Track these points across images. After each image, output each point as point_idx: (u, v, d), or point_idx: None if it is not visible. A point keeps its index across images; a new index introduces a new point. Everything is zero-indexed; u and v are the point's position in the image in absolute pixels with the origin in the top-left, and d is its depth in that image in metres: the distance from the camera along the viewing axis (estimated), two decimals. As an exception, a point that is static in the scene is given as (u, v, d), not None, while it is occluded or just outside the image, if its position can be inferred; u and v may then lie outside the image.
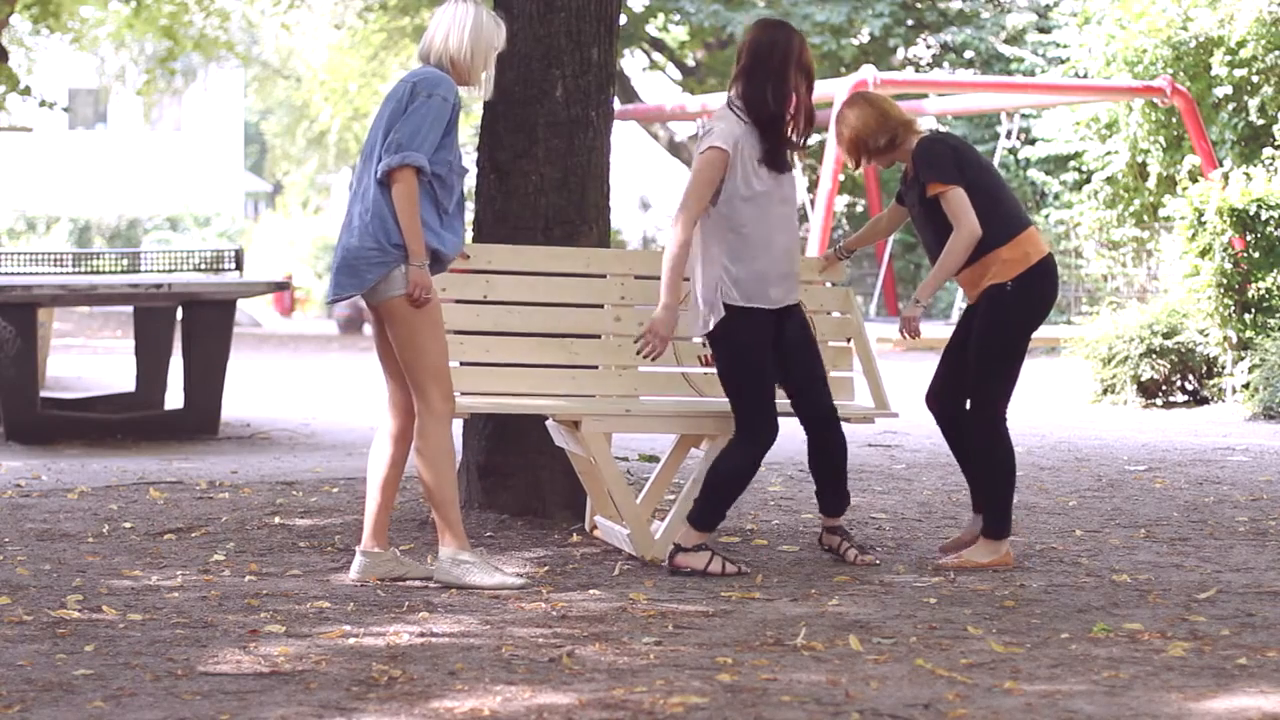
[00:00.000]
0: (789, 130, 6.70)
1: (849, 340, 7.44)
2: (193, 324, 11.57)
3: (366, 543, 6.55)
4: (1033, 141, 22.15)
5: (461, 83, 6.46)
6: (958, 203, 6.74)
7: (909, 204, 7.00)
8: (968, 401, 6.93)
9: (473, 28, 6.42)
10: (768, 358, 6.73)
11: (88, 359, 20.25)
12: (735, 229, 6.67)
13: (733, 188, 6.67)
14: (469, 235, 7.59)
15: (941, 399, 7.02)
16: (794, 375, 6.83)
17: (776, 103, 6.67)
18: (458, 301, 7.04)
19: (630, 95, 27.24)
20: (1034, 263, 6.79)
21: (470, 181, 7.33)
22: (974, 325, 6.88)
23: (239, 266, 13.14)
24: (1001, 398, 6.85)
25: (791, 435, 9.84)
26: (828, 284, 7.50)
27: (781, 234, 6.74)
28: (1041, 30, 25.06)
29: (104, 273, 13.92)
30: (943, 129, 17.68)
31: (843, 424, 6.91)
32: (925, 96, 20.76)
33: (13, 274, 13.26)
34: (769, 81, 6.66)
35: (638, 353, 6.79)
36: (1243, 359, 13.52)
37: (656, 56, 29.77)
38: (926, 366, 19.57)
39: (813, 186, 21.90)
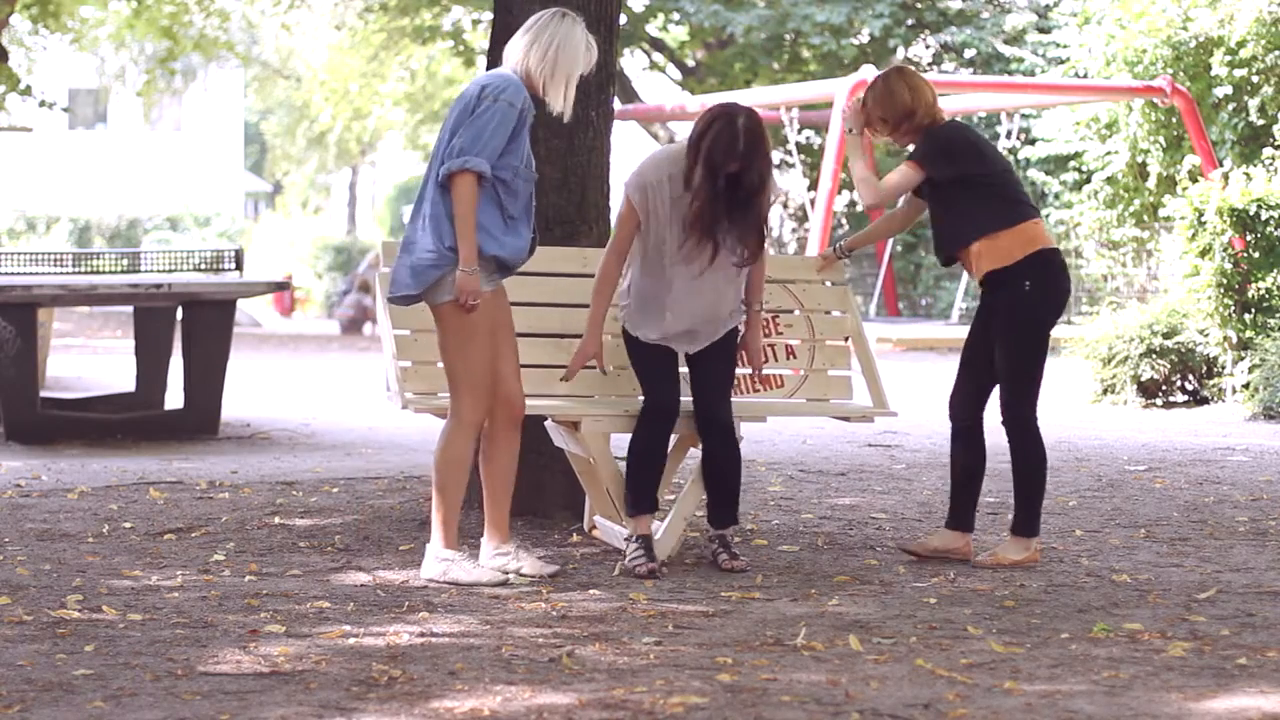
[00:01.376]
0: (705, 211, 6.56)
1: (847, 339, 7.44)
2: (193, 324, 11.57)
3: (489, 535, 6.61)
4: (1033, 141, 22.14)
5: (533, 93, 6.36)
6: (900, 174, 6.86)
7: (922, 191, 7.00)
8: (983, 412, 6.99)
9: (560, 48, 6.32)
10: (657, 351, 6.83)
11: (88, 359, 20.23)
12: (638, 282, 6.78)
13: (642, 236, 6.74)
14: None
15: (963, 410, 7.01)
16: (697, 379, 6.87)
17: (687, 180, 6.62)
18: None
19: (630, 95, 27.23)
20: (1033, 251, 6.80)
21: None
22: (993, 330, 6.87)
23: (239, 266, 13.14)
24: (1032, 395, 6.88)
25: (792, 436, 9.81)
26: (827, 283, 7.50)
27: (679, 300, 6.71)
28: (1041, 30, 25.04)
29: (104, 273, 13.92)
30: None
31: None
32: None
33: (13, 274, 13.25)
34: (687, 156, 6.62)
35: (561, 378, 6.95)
36: (1243, 359, 13.52)
37: (656, 56, 29.76)
38: (926, 366, 19.57)
39: (813, 186, 21.89)
